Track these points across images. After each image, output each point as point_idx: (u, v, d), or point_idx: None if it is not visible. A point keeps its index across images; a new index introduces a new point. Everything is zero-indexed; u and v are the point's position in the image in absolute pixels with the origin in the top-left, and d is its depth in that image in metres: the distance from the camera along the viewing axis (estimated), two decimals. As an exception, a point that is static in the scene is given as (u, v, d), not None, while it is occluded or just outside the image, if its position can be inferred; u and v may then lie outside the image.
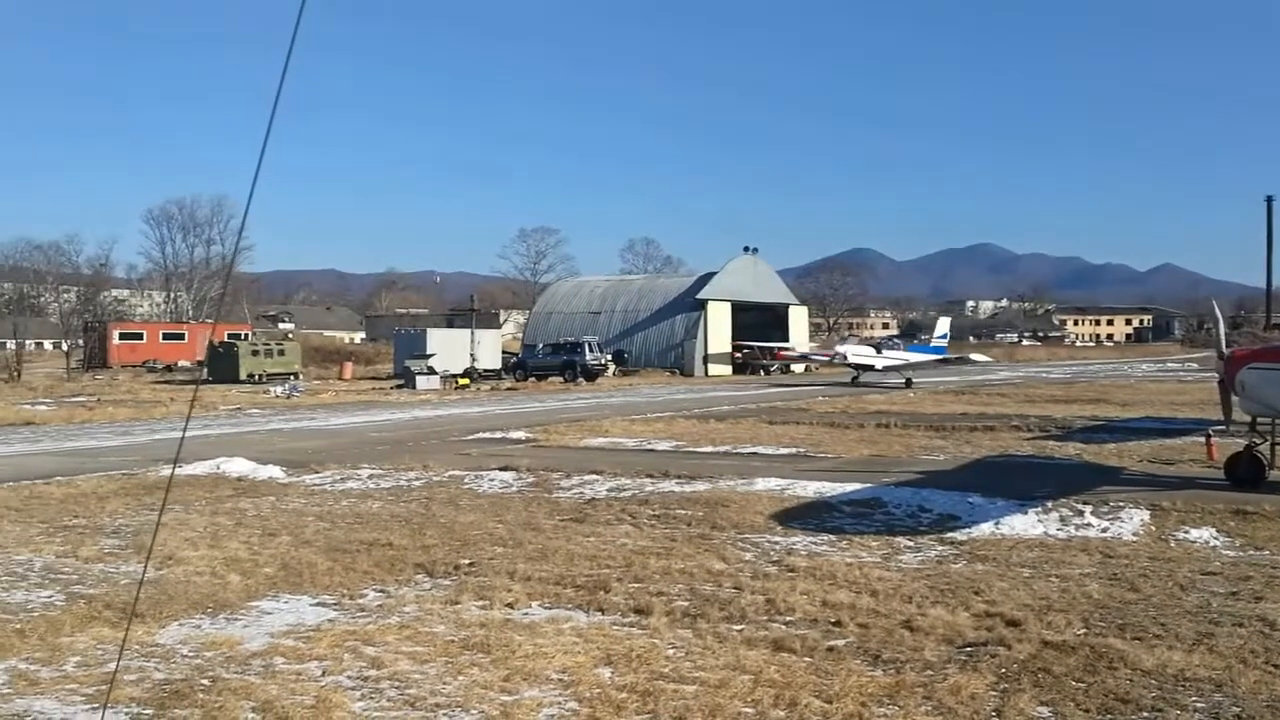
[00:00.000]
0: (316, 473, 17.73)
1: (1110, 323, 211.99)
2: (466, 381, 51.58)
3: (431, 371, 52.04)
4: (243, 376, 57.30)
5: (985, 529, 12.22)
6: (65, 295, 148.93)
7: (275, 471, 17.65)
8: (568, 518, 13.26)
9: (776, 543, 11.64)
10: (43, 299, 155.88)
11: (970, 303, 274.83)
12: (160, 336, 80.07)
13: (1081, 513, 12.75)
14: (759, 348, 65.41)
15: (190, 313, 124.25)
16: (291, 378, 56.72)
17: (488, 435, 24.61)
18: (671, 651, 7.74)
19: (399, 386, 50.72)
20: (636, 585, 9.74)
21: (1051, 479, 15.92)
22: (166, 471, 17.74)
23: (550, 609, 9.08)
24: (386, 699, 6.82)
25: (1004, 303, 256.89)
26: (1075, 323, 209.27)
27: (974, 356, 58.25)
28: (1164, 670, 7.16)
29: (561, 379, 54.63)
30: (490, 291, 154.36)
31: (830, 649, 7.73)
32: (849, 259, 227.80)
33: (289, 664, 7.57)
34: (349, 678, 7.26)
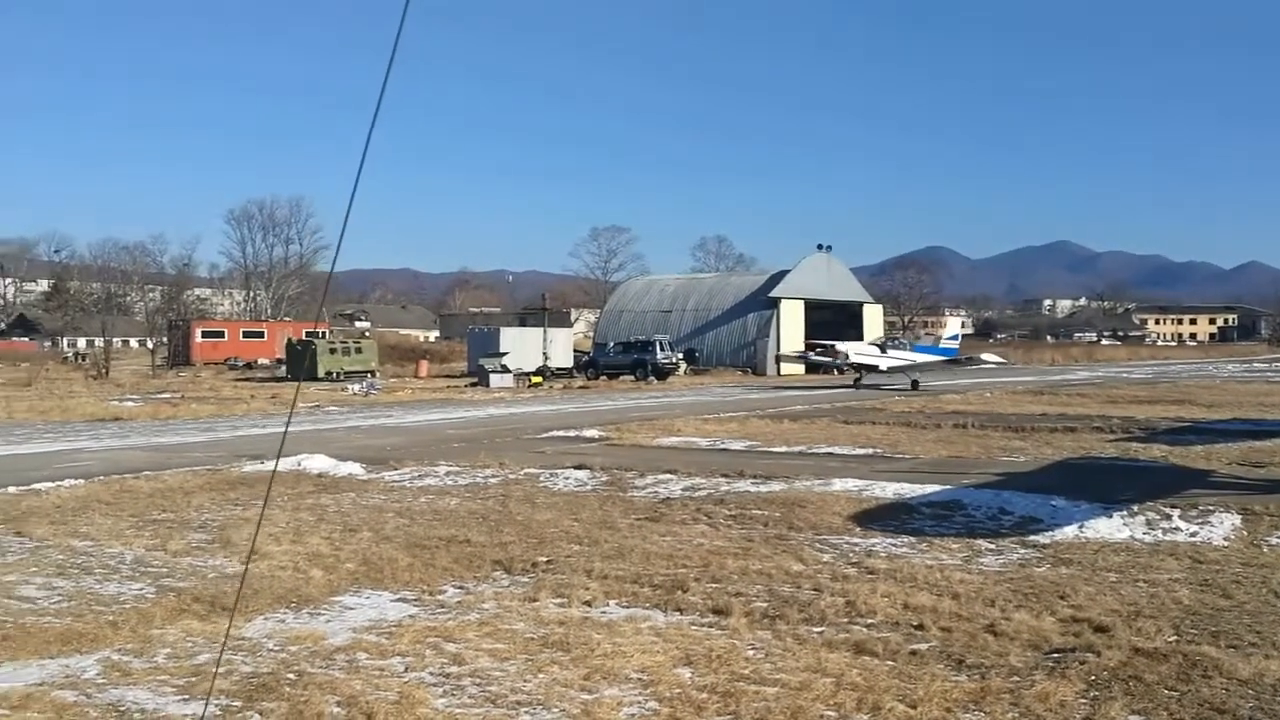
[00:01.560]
0: (395, 470, 17.96)
1: (1193, 322, 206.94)
2: (539, 380, 51.95)
3: (505, 370, 52.48)
4: (321, 374, 58.29)
5: (1069, 532, 11.96)
6: (150, 294, 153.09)
7: (355, 468, 17.91)
8: (643, 516, 13.26)
9: (855, 544, 11.52)
10: (129, 298, 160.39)
11: (1047, 301, 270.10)
12: (241, 334, 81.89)
13: (1169, 517, 12.43)
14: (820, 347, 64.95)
15: (269, 311, 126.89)
16: (368, 376, 57.58)
17: (561, 433, 24.72)
18: (751, 653, 7.69)
19: (473, 384, 51.23)
20: (714, 585, 9.70)
21: (1137, 482, 15.55)
22: (250, 468, 18.11)
23: (628, 608, 9.08)
24: (468, 696, 6.87)
25: (1082, 301, 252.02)
26: (1157, 322, 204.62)
27: (986, 357, 54.31)
28: (1261, 679, 6.94)
29: (633, 377, 54.73)
30: (562, 290, 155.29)
31: (913, 653, 7.62)
32: (922, 257, 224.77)
33: (372, 659, 7.67)
34: (430, 674, 7.33)
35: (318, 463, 18.28)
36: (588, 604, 9.17)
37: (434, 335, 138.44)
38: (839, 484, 14.76)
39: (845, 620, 8.50)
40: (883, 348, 48.62)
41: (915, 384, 44.63)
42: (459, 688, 7.03)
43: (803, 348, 57.17)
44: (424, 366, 64.60)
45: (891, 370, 46.61)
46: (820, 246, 69.34)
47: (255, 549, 11.37)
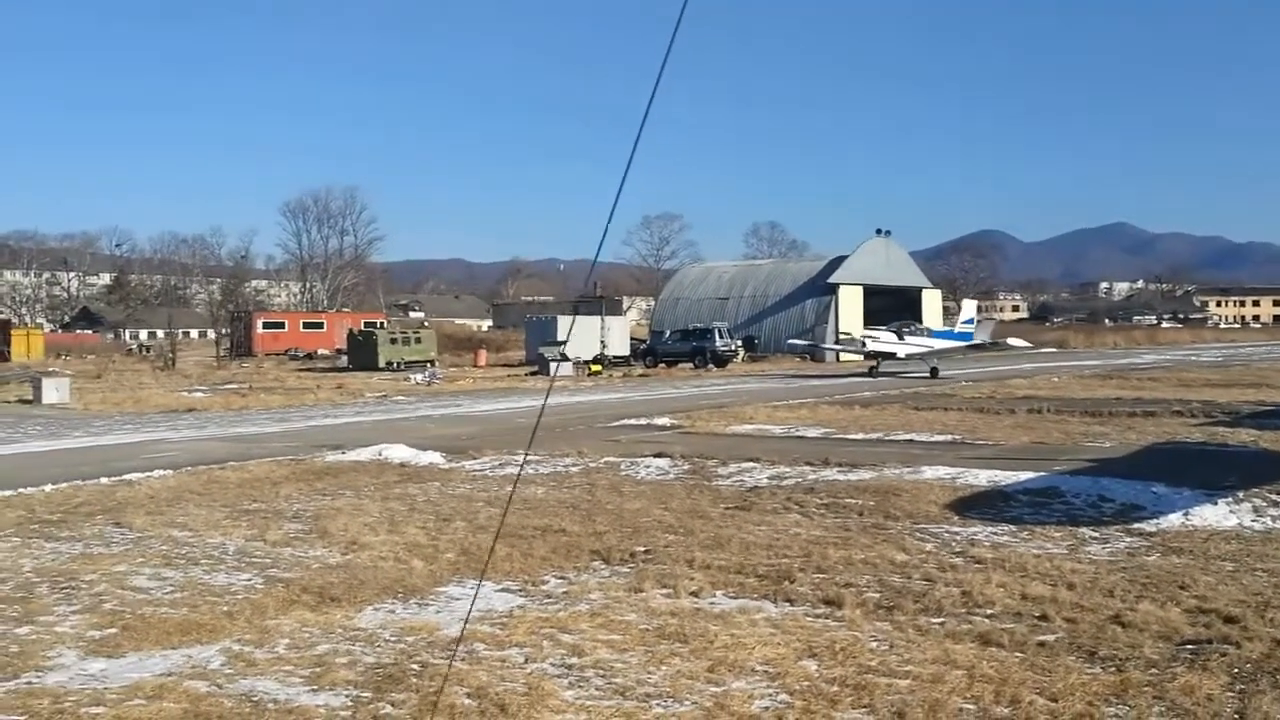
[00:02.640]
0: (475, 459, 18.01)
1: (1256, 304, 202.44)
2: (598, 368, 51.95)
3: (564, 358, 52.55)
4: (381, 364, 58.85)
5: (1174, 520, 11.69)
6: (210, 286, 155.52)
7: (435, 457, 17.98)
8: (733, 506, 13.17)
9: (956, 533, 11.34)
10: (189, 290, 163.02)
11: (1104, 284, 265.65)
12: (301, 325, 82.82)
13: (1277, 504, 12.11)
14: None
15: (325, 302, 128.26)
16: (429, 365, 57.99)
17: (632, 422, 24.68)
18: (874, 644, 7.57)
19: (533, 373, 51.39)
20: (820, 576, 9.58)
21: (1233, 468, 15.18)
22: (332, 458, 18.25)
23: (736, 599, 8.99)
24: (595, 688, 6.82)
25: (1140, 284, 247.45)
26: (1218, 304, 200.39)
27: (1012, 341, 51.14)
28: None
29: (692, 365, 54.58)
30: (614, 278, 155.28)
31: (1041, 644, 7.46)
32: (976, 241, 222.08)
33: (491, 650, 7.65)
34: (552, 665, 7.29)
35: (399, 452, 18.38)
36: (695, 595, 9.09)
37: (487, 325, 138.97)
38: (929, 471, 14.56)
39: (964, 611, 8.35)
40: (900, 334, 45.84)
41: (934, 371, 42.65)
42: (584, 679, 6.98)
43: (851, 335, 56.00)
44: (482, 356, 64.85)
45: (909, 357, 44.57)
46: (879, 231, 68.66)
47: (354, 539, 11.45)
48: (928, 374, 42.21)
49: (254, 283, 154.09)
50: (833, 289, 63.19)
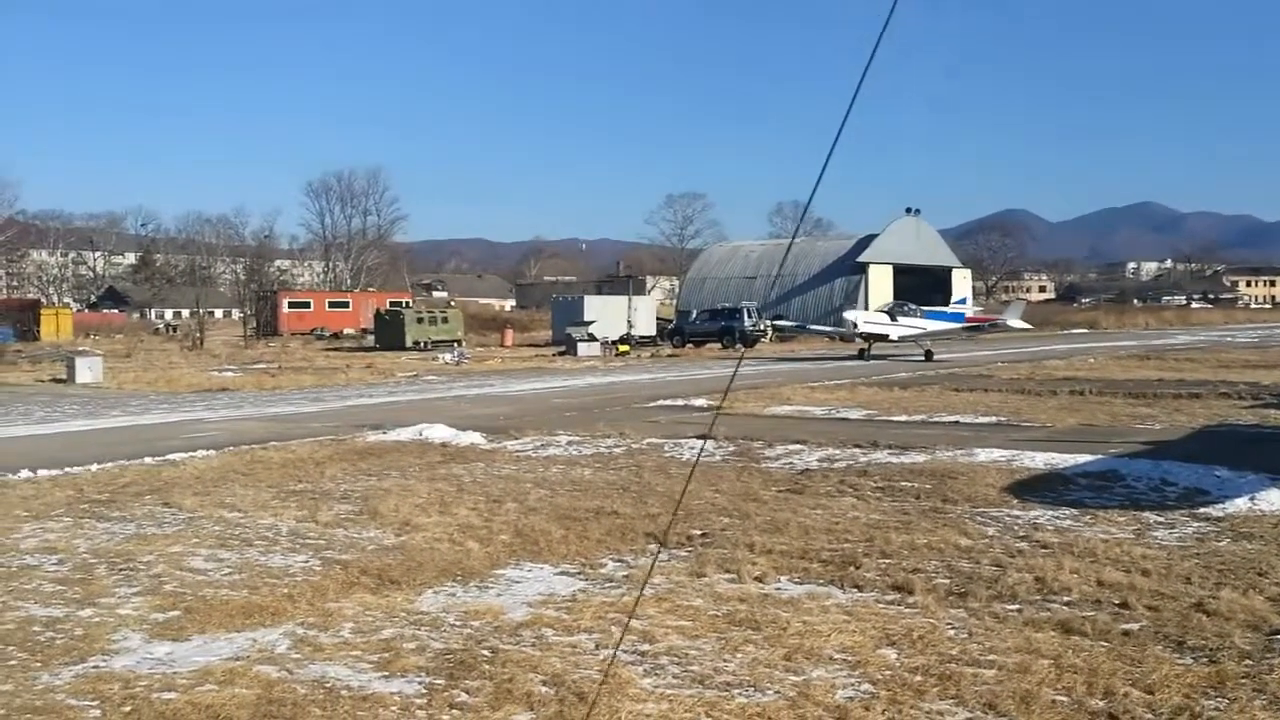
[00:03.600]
0: (516, 439, 17.88)
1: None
2: (626, 348, 51.81)
3: (592, 338, 52.44)
4: (408, 343, 58.88)
5: (1240, 504, 11.43)
6: (234, 266, 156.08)
7: (476, 438, 17.86)
8: (786, 488, 12.99)
9: (1017, 517, 11.13)
10: (213, 269, 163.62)
11: (1131, 264, 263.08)
12: (326, 305, 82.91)
13: (1345, 488, 11.83)
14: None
15: (348, 282, 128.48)
16: (456, 345, 57.99)
17: (668, 402, 24.51)
18: (952, 632, 7.39)
19: (561, 353, 51.25)
20: (886, 561, 9.40)
21: (1292, 451, 14.89)
22: (374, 438, 18.16)
23: (801, 584, 8.82)
24: (672, 675, 6.67)
25: (1168, 264, 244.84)
26: (1248, 284, 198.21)
27: (1012, 323, 49.16)
28: None
29: (720, 345, 54.33)
30: (637, 257, 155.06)
31: (1125, 633, 7.26)
32: (1000, 220, 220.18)
33: (559, 635, 7.51)
34: (624, 652, 7.14)
35: (439, 432, 18.28)
36: (759, 580, 8.93)
37: (510, 304, 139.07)
38: (983, 454, 14.34)
39: (1039, 598, 8.15)
40: (892, 315, 44.09)
41: (929, 354, 41.23)
42: (659, 666, 6.83)
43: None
44: (509, 335, 64.83)
45: (903, 339, 42.88)
46: (909, 210, 68.14)
47: (406, 520, 11.33)
48: (922, 356, 40.95)
49: (278, 262, 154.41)
50: (862, 268, 62.79)
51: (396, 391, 29.92)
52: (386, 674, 6.77)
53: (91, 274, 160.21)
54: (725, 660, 6.94)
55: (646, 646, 7.24)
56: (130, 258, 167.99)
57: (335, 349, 61.95)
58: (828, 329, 45.78)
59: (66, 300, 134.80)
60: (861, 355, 42.39)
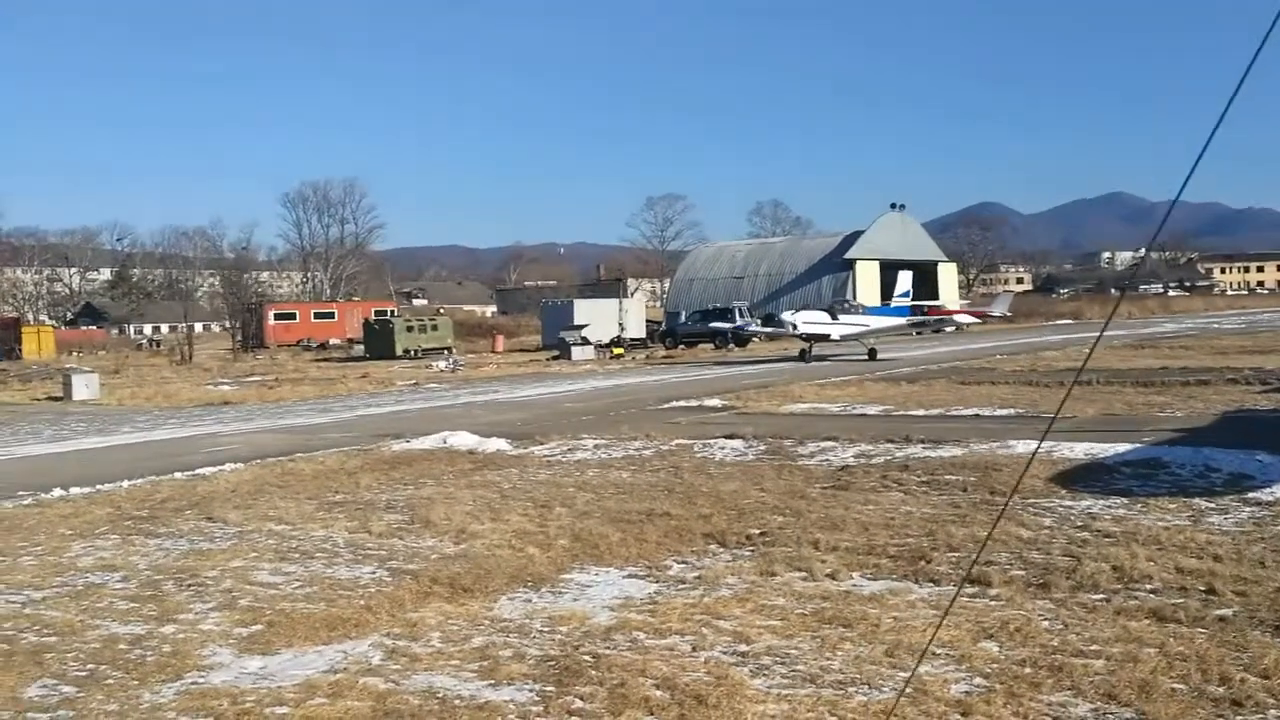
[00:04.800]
0: (541, 444, 17.83)
1: (1260, 269, 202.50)
2: (621, 351, 51.74)
3: (585, 342, 52.38)
4: (399, 352, 58.61)
5: (1287, 488, 11.53)
6: (211, 279, 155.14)
7: (501, 444, 17.79)
8: (830, 485, 13.01)
9: (1069, 507, 11.18)
10: (191, 282, 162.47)
11: (1106, 254, 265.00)
12: (312, 316, 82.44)
13: (1386, 470, 11.96)
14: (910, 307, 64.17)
15: (328, 291, 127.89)
16: (447, 352, 57.82)
17: (682, 404, 24.50)
18: (1046, 624, 7.42)
19: (555, 358, 51.11)
20: (954, 555, 9.43)
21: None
22: (399, 447, 18.06)
23: (876, 579, 8.84)
24: (780, 676, 6.66)
25: (1142, 253, 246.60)
26: (1222, 271, 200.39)
27: (960, 319, 47.80)
28: None
29: (713, 345, 54.33)
30: (618, 260, 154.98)
31: (1221, 619, 7.31)
32: (975, 213, 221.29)
33: (653, 639, 7.49)
34: (722, 653, 7.13)
35: (463, 439, 18.22)
36: (832, 577, 8.94)
37: (490, 310, 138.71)
38: (1020, 446, 14.39)
39: (1121, 587, 8.19)
40: (833, 313, 41.38)
41: (873, 353, 39.28)
42: (765, 668, 6.82)
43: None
44: (500, 341, 64.70)
45: (845, 338, 40.50)
46: (894, 205, 68.45)
47: (461, 528, 11.28)
48: (865, 356, 39.05)
49: (258, 274, 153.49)
50: (849, 265, 62.96)
51: (403, 400, 29.78)
52: (492, 682, 6.74)
53: (68, 291, 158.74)
54: (828, 658, 6.94)
55: (744, 647, 7.23)
56: (106, 273, 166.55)
57: (325, 360, 61.62)
58: (767, 329, 43.14)
59: (42, 318, 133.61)
60: (802, 356, 39.84)
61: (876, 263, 64.59)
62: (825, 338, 40.39)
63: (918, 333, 46.47)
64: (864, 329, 40.95)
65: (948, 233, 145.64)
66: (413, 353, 59.02)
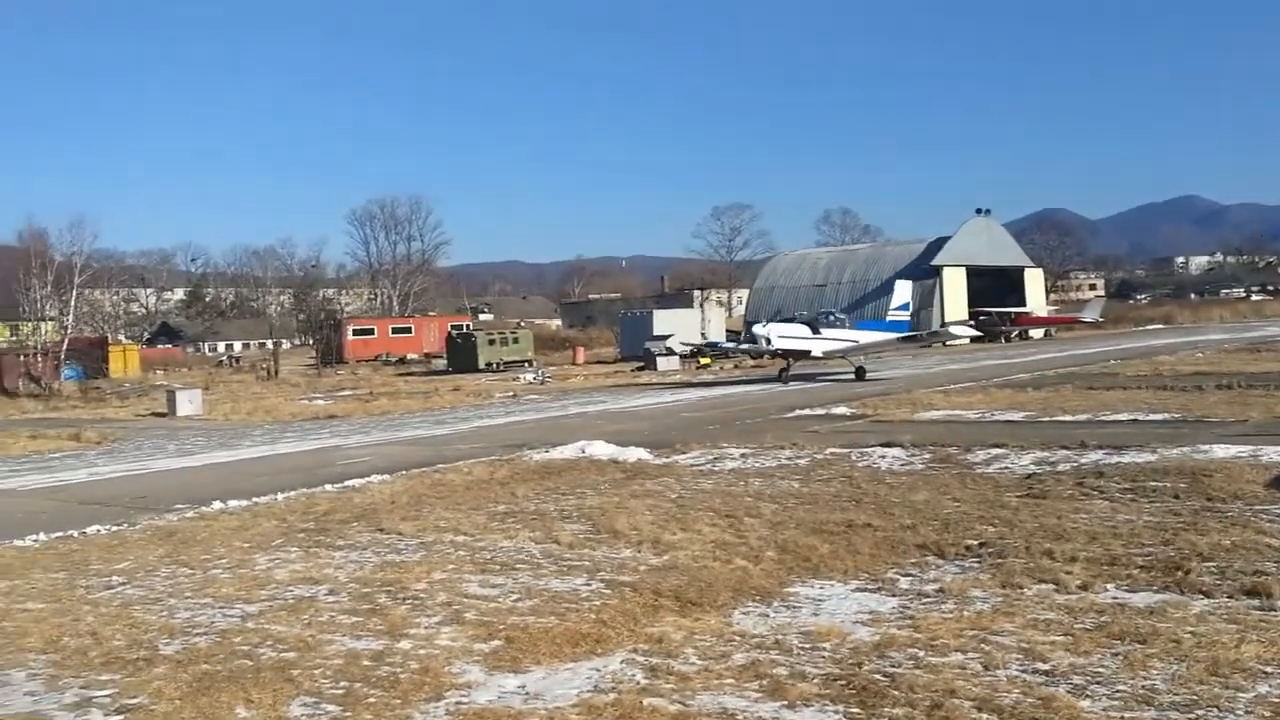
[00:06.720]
0: (683, 453, 17.36)
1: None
2: (708, 360, 51.20)
3: (670, 352, 51.97)
4: (481, 365, 58.70)
5: None
6: (282, 297, 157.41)
7: (641, 453, 17.35)
8: (1024, 493, 12.37)
9: (1305, 512, 10.46)
10: (262, 301, 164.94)
11: (1180, 259, 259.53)
12: (390, 331, 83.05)
13: None
14: (997, 313, 63.02)
15: (395, 308, 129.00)
16: (529, 364, 57.76)
17: (807, 412, 23.93)
18: (1375, 639, 6.77)
19: (640, 368, 50.77)
20: (1209, 565, 8.77)
21: None
22: (540, 456, 17.69)
23: (1134, 591, 8.22)
24: (1105, 697, 6.08)
25: (1218, 257, 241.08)
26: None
27: (955, 330, 42.76)
28: None
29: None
30: (683, 271, 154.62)
31: None
32: (1041, 220, 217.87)
33: (935, 656, 6.93)
34: (1022, 670, 6.57)
35: (601, 449, 17.81)
36: (1084, 588, 8.34)
37: (555, 323, 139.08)
38: (1220, 450, 13.64)
39: None
40: (814, 326, 36.94)
41: (860, 372, 35.53)
42: (1080, 688, 6.25)
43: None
44: (580, 353, 64.56)
45: (829, 355, 36.64)
46: (979, 210, 67.23)
47: (655, 539, 10.82)
48: (852, 375, 35.50)
49: (325, 291, 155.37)
50: (935, 271, 61.87)
51: (513, 412, 29.50)
52: (786, 702, 6.25)
53: (144, 310, 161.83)
54: (1143, 677, 6.36)
55: (1042, 665, 6.66)
56: (180, 293, 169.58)
57: (407, 374, 61.82)
58: (745, 347, 38.60)
59: (120, 337, 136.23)
60: (780, 376, 36.53)
61: (963, 269, 63.47)
62: (806, 354, 36.54)
63: (913, 351, 42.48)
64: (850, 344, 36.74)
65: (1021, 239, 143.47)
66: (495, 366, 59.09)
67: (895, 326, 38.94)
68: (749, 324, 66.81)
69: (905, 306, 40.18)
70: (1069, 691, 6.18)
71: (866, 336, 37.74)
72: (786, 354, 36.60)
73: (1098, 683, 6.31)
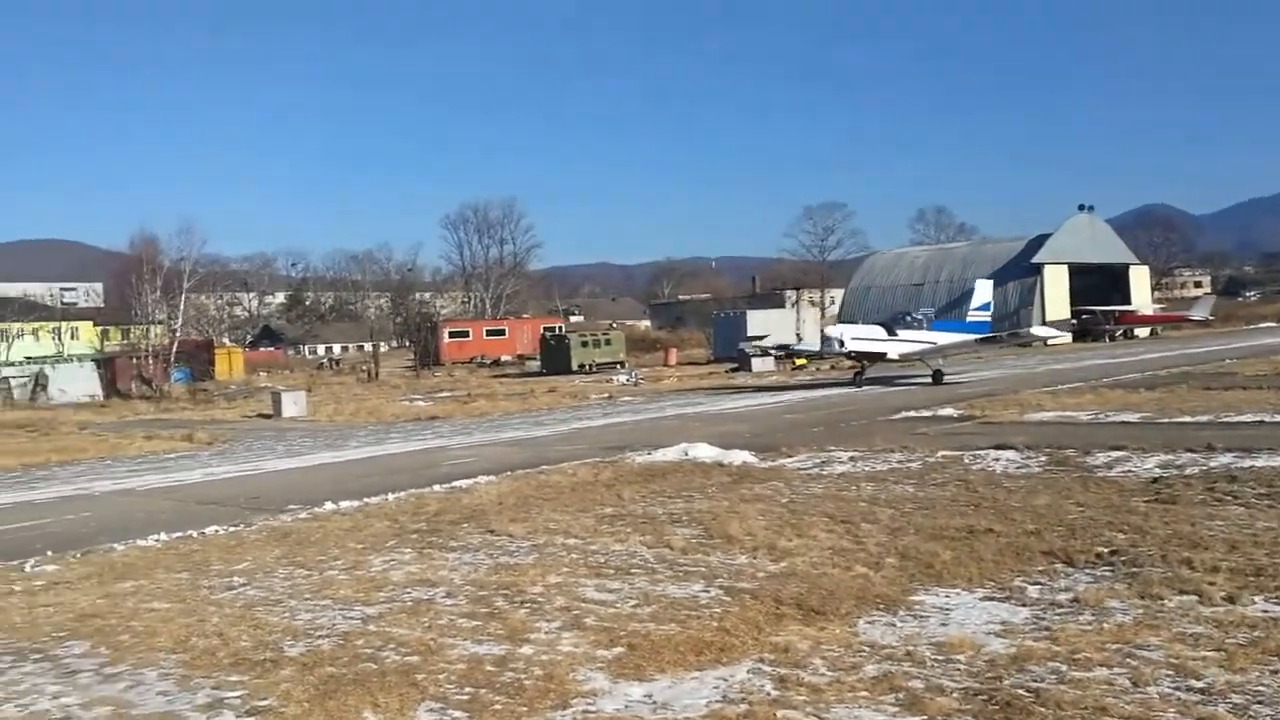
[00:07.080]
0: (789, 457, 17.10)
1: None
2: (804, 361, 50.58)
3: (766, 353, 51.48)
4: (574, 367, 58.96)
5: None
6: (379, 300, 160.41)
7: (747, 456, 17.13)
8: (1150, 499, 11.88)
9: None
10: (360, 304, 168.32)
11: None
12: (484, 333, 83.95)
13: None
14: (1100, 312, 61.29)
15: (489, 310, 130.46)
16: (622, 366, 57.84)
17: (912, 414, 23.44)
18: None
19: (734, 369, 50.44)
20: (1368, 576, 8.29)
21: None
22: (642, 459, 17.59)
23: (1285, 604, 7.78)
24: (1270, 716, 5.74)
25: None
26: None
27: (1037, 331, 41.25)
28: None
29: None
30: (774, 271, 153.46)
31: None
32: (1143, 216, 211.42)
33: (1078, 671, 6.62)
34: (1174, 688, 6.24)
35: (704, 451, 17.65)
36: (1230, 600, 7.92)
37: (644, 325, 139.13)
38: (1363, 454, 12.96)
39: None
40: (890, 328, 35.45)
41: (938, 375, 33.72)
42: (1242, 708, 5.91)
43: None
44: (673, 354, 64.43)
45: (905, 358, 35.24)
46: (1081, 207, 65.49)
47: (770, 544, 10.62)
48: (929, 378, 33.82)
49: (420, 294, 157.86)
50: (1036, 269, 60.38)
51: (610, 414, 29.48)
52: (926, 718, 6.01)
53: (246, 314, 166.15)
54: (1314, 699, 5.98)
55: (1196, 683, 6.32)
56: (281, 297, 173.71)
57: (501, 375, 62.39)
58: (816, 349, 37.05)
59: (223, 340, 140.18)
60: (855, 380, 35.02)
61: (1065, 267, 61.84)
62: (881, 357, 35.04)
63: (995, 352, 40.67)
64: (928, 346, 35.09)
65: (1122, 236, 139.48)
66: (588, 367, 59.28)
67: (975, 328, 37.55)
68: (846, 324, 66.22)
69: (986, 306, 38.87)
70: (1229, 711, 5.85)
71: (944, 338, 36.12)
72: (860, 356, 35.47)
73: (1260, 702, 5.97)
